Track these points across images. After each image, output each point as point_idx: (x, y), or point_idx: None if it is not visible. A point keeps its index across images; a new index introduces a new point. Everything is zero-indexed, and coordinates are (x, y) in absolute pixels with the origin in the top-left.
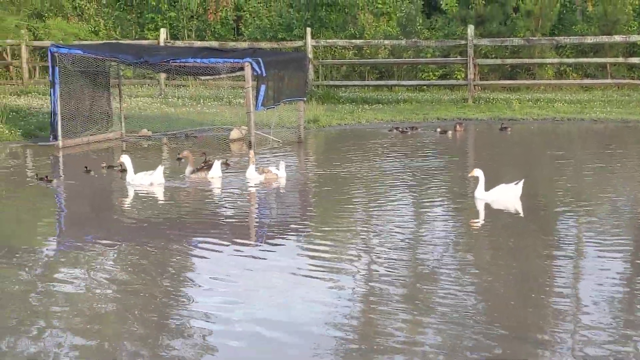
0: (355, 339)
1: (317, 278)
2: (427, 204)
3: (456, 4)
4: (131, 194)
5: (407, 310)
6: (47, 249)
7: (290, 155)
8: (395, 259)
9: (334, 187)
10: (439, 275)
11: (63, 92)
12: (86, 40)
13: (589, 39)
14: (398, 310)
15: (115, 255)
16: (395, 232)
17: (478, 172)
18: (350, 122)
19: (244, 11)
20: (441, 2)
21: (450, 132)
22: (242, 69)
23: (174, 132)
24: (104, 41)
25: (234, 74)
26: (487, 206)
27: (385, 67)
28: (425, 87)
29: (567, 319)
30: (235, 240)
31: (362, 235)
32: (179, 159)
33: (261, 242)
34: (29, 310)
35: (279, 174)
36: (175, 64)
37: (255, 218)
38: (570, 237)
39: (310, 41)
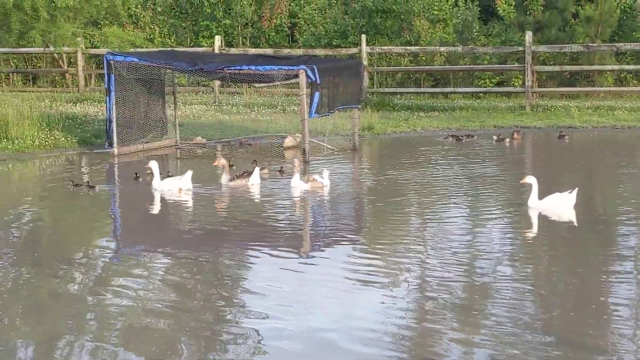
0: (408, 347)
1: (370, 287)
2: (482, 212)
3: (514, 10)
4: (173, 200)
5: (462, 320)
6: (99, 257)
7: (345, 163)
8: (449, 269)
9: (388, 194)
10: (495, 285)
11: (118, 99)
12: (141, 47)
13: None
14: (453, 321)
15: (168, 264)
16: (449, 242)
17: (531, 180)
18: (405, 129)
19: (298, 18)
20: (498, 9)
21: (507, 140)
22: (296, 76)
23: (228, 139)
24: (159, 49)
25: (288, 82)
26: (541, 215)
27: (441, 74)
28: (481, 94)
29: (628, 332)
30: (288, 248)
31: (415, 244)
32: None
33: (315, 251)
34: (84, 315)
35: (324, 182)
36: (229, 71)
37: (309, 226)
38: (628, 248)
39: (365, 48)
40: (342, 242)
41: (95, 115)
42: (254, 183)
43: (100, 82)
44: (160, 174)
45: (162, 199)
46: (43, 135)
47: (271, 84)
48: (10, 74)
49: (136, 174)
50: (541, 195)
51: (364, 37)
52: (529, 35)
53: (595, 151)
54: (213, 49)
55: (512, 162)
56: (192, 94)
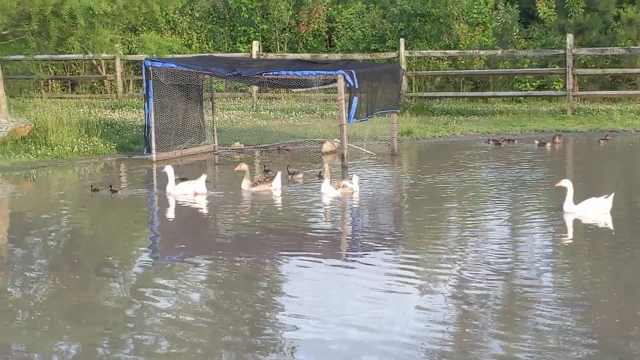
0: (449, 354)
1: (408, 295)
2: (521, 218)
3: (554, 13)
4: (202, 205)
5: (502, 330)
6: (135, 263)
7: (384, 168)
8: (487, 277)
9: (426, 200)
10: (534, 293)
11: (157, 105)
12: (179, 53)
13: None
14: (492, 331)
15: (205, 268)
16: (487, 248)
17: (566, 183)
18: (444, 134)
19: (336, 23)
20: (539, 11)
21: (548, 144)
22: (334, 81)
23: (266, 145)
24: (196, 54)
25: (326, 87)
26: (578, 220)
27: (480, 78)
28: (522, 98)
29: None
30: (325, 254)
31: (453, 251)
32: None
33: (351, 257)
34: (124, 321)
35: (354, 187)
36: (267, 76)
37: (346, 232)
38: None
39: (403, 52)
40: (380, 248)
41: (134, 121)
42: (276, 188)
43: (138, 88)
44: (177, 178)
45: (192, 205)
46: (82, 142)
47: (309, 88)
48: (49, 81)
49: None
50: (577, 200)
51: (402, 41)
52: (569, 38)
53: (638, 155)
54: (251, 54)
55: (553, 166)
56: (230, 100)
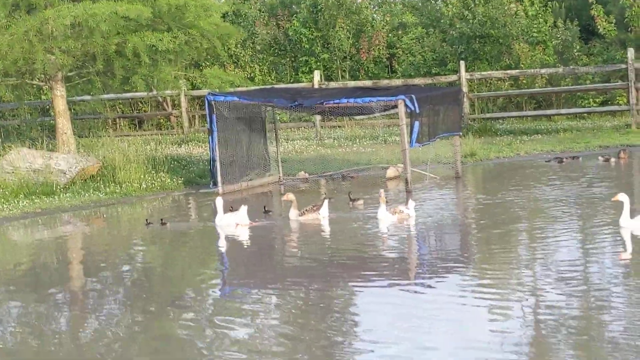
0: None
1: (482, 317)
2: (589, 236)
3: (614, 28)
4: (257, 235)
5: (578, 350)
6: (204, 296)
7: (448, 191)
8: (560, 298)
9: (493, 220)
10: (608, 311)
11: (221, 138)
12: (242, 86)
13: None
14: (568, 350)
15: (276, 298)
16: (556, 267)
17: (622, 197)
18: (508, 154)
19: (397, 48)
20: (599, 27)
21: (613, 159)
22: (395, 106)
23: (331, 173)
24: (259, 87)
25: (387, 112)
26: (635, 235)
27: (543, 97)
28: (585, 114)
29: None
30: (394, 279)
31: (524, 272)
32: (266, 211)
33: (421, 280)
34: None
35: (410, 213)
36: (329, 105)
37: (413, 256)
38: None
39: (464, 74)
40: (449, 272)
41: (200, 155)
42: (324, 216)
43: (204, 123)
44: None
45: (244, 235)
46: (149, 178)
47: (371, 115)
48: (117, 119)
49: (264, 207)
50: (634, 214)
51: (462, 63)
52: (631, 52)
53: None
54: (313, 84)
55: (618, 181)
56: (294, 130)
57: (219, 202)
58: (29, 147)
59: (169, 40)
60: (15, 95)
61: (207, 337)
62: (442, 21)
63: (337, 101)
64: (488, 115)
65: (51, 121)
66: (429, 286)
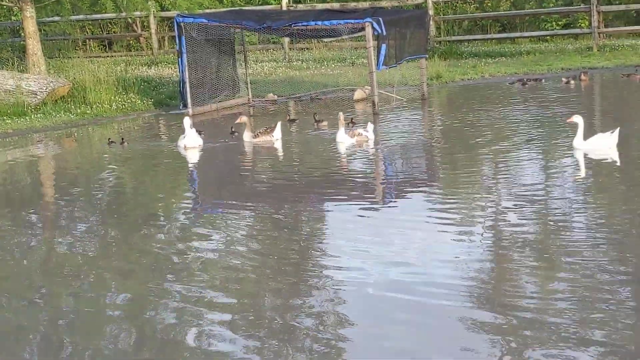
0: (485, 295)
1: (446, 232)
2: (547, 156)
3: None
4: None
5: (537, 265)
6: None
7: (414, 112)
8: (521, 213)
9: (456, 142)
10: (567, 226)
11: (190, 60)
12: (210, 8)
13: None
14: (527, 267)
15: (245, 216)
16: (514, 186)
17: (577, 119)
18: (473, 76)
19: None
20: None
21: (573, 82)
22: (363, 29)
23: (299, 95)
24: (227, 9)
25: (355, 35)
26: (589, 158)
27: (507, 20)
28: (548, 37)
29: None
30: (361, 197)
31: (486, 191)
32: (233, 132)
33: (388, 198)
34: (170, 269)
35: (369, 135)
36: (297, 27)
37: (380, 175)
38: None
39: None
40: (415, 190)
41: (170, 77)
42: (278, 138)
43: (173, 44)
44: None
45: (203, 153)
46: (120, 99)
47: (339, 37)
48: (87, 41)
49: (232, 128)
50: (588, 136)
51: None
52: None
53: None
54: (281, 6)
55: (577, 103)
56: (262, 52)
57: (186, 121)
58: (0, 69)
59: None
60: None
61: (179, 254)
62: None
63: (306, 23)
64: (453, 38)
65: (21, 42)
66: (396, 205)
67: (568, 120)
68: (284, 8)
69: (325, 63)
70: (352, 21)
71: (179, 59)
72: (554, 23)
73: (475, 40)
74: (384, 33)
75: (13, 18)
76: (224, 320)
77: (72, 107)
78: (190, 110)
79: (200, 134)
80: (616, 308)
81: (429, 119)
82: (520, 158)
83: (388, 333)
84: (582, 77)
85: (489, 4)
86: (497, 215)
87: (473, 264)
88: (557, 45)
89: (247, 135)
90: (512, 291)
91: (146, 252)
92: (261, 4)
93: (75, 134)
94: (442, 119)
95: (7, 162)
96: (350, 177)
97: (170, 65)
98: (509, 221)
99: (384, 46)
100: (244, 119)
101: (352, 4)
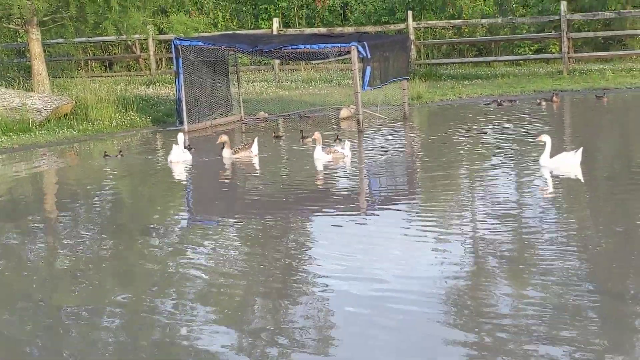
0: (462, 301)
1: (426, 242)
2: (518, 172)
3: None
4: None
5: (510, 273)
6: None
7: (396, 130)
8: (494, 225)
9: (435, 157)
10: (537, 239)
11: (186, 80)
12: (206, 32)
13: None
14: (502, 274)
15: (236, 227)
16: (489, 200)
17: (545, 138)
18: (451, 97)
19: None
20: None
21: (544, 103)
22: (349, 52)
23: (289, 113)
24: (222, 32)
25: (341, 57)
26: (554, 175)
27: (483, 45)
28: (521, 61)
29: None
30: (343, 210)
31: (462, 205)
32: (190, 147)
33: (370, 211)
34: (166, 277)
35: (345, 152)
36: (287, 50)
37: (365, 189)
38: None
39: (412, 23)
40: (397, 204)
41: (167, 96)
42: (256, 154)
43: (170, 65)
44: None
45: (198, 168)
46: (119, 116)
47: (326, 60)
48: (89, 61)
49: (189, 145)
50: (554, 154)
51: (410, 13)
52: (563, 5)
53: (630, 111)
54: (272, 31)
55: (548, 123)
56: (254, 73)
57: (180, 137)
58: (6, 87)
59: None
60: None
61: (173, 261)
62: None
63: (295, 47)
64: (433, 61)
65: (27, 63)
66: (378, 217)
67: (537, 139)
68: (275, 32)
69: (313, 83)
70: (339, 45)
71: (176, 79)
72: (526, 48)
73: (453, 63)
74: (369, 56)
75: (19, 40)
76: (214, 319)
77: (75, 123)
78: (185, 127)
79: (190, 149)
80: (583, 311)
81: (409, 136)
82: (493, 174)
83: (370, 334)
84: (554, 98)
85: (466, 30)
86: (470, 224)
87: (446, 273)
88: (529, 69)
89: (226, 152)
90: (483, 297)
91: (140, 255)
92: (253, 28)
93: (77, 149)
94: (421, 136)
95: (13, 175)
96: (325, 191)
97: (167, 84)
98: (480, 230)
99: (368, 68)
100: (224, 138)
101: (339, 29)
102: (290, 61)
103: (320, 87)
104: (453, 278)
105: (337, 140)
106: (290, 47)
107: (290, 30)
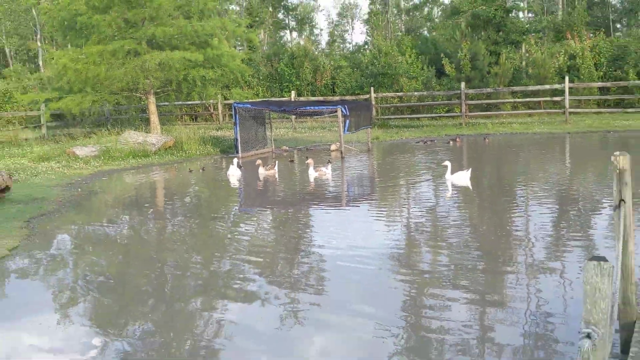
0: (399, 257)
1: (379, 222)
2: (434, 182)
3: (454, 70)
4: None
5: (430, 242)
6: (228, 213)
7: (363, 157)
8: (419, 215)
9: (387, 174)
10: (446, 223)
11: (240, 127)
12: (252, 99)
13: (530, 87)
14: (424, 243)
15: (267, 214)
16: (417, 200)
17: (447, 163)
18: (396, 138)
19: (337, 79)
20: (446, 70)
21: (451, 142)
22: (335, 111)
23: (300, 147)
24: (261, 99)
25: (332, 114)
26: (454, 185)
27: (415, 107)
28: (438, 117)
29: (522, 247)
30: (331, 204)
31: (401, 205)
32: (203, 169)
33: (347, 205)
34: (224, 245)
35: (327, 172)
36: (299, 110)
37: (344, 191)
38: (519, 205)
39: (373, 95)
40: (363, 201)
41: (229, 136)
42: (276, 171)
43: (231, 118)
44: (240, 167)
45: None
46: (201, 148)
47: (322, 115)
48: (182, 116)
49: (202, 168)
50: (454, 172)
51: (372, 88)
52: (462, 85)
53: (503, 147)
54: (290, 98)
55: (452, 154)
56: (280, 122)
57: (235, 161)
58: (134, 130)
59: (212, 72)
60: (127, 101)
61: (230, 233)
62: (361, 64)
63: (304, 108)
64: (385, 117)
65: (146, 117)
66: (352, 208)
67: (442, 164)
68: (292, 99)
69: (315, 129)
70: (330, 107)
71: (235, 127)
72: (440, 109)
73: (397, 118)
74: (348, 113)
75: (142, 102)
76: (255, 268)
77: (175, 152)
78: (240, 155)
79: (241, 168)
80: (473, 268)
81: (371, 161)
82: (419, 184)
83: (350, 278)
84: (458, 140)
85: (405, 98)
86: (405, 214)
87: (393, 242)
88: (442, 122)
89: (261, 170)
90: (414, 258)
91: (209, 233)
92: (280, 97)
93: (176, 166)
94: (378, 161)
95: (137, 182)
96: (319, 193)
97: (229, 129)
98: (412, 218)
99: (347, 121)
100: (259, 162)
101: (330, 97)
102: (301, 116)
103: (319, 131)
104: (396, 247)
105: (328, 163)
106: (301, 108)
107: (302, 98)
